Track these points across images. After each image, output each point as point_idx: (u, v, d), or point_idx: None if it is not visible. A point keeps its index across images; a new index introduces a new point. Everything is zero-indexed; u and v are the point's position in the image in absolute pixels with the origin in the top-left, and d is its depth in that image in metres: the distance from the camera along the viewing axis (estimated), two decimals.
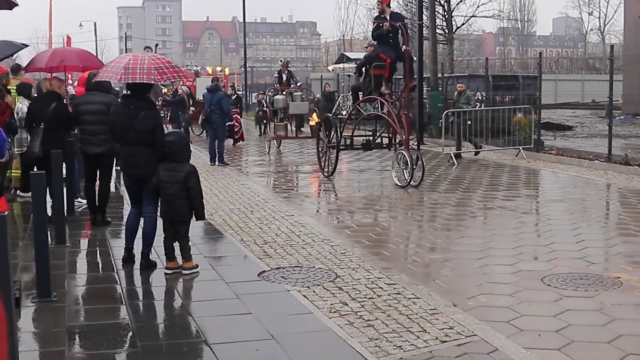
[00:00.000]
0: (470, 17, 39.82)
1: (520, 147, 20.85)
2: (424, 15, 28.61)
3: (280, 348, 5.94)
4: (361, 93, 16.73)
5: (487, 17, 44.51)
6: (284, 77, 24.49)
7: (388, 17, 16.17)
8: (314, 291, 7.56)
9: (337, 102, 19.18)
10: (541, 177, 17.35)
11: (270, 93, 26.94)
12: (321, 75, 43.60)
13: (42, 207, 7.43)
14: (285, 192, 15.26)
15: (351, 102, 17.34)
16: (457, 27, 39.45)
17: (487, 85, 25.58)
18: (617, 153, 18.77)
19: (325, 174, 17.03)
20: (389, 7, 16.59)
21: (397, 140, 16.53)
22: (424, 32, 28.82)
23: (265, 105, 29.84)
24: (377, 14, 16.88)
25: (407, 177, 15.05)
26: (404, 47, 15.89)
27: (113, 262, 8.82)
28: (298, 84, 25.82)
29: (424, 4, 28.30)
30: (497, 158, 20.46)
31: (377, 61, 16.07)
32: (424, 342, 6.10)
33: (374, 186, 15.81)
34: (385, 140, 17.60)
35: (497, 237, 10.54)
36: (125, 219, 9.50)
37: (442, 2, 36.99)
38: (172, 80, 9.97)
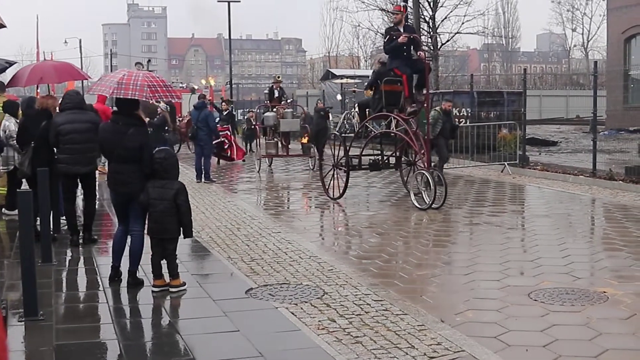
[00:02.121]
0: (455, 33, 40.01)
1: (506, 163, 20.93)
2: None
3: None
4: (369, 110, 15.91)
5: (472, 33, 44.69)
6: (276, 94, 24.13)
7: (402, 29, 15.46)
8: (301, 308, 7.56)
9: (342, 119, 18.80)
10: (526, 193, 17.42)
11: (258, 110, 26.81)
12: (307, 92, 43.74)
13: (28, 225, 7.41)
14: (272, 209, 15.27)
15: (357, 119, 16.60)
16: (442, 44, 39.66)
17: (472, 101, 25.68)
18: (602, 168, 18.86)
19: (332, 197, 15.86)
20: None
21: (405, 160, 16.07)
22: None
23: (253, 122, 29.71)
24: (390, 25, 16.20)
25: (427, 200, 14.20)
26: (419, 53, 15.35)
27: (100, 280, 8.80)
28: (289, 101, 25.35)
29: (409, 20, 28.42)
30: (482, 174, 20.53)
31: (389, 75, 15.29)
32: (412, 358, 6.10)
33: (361, 202, 15.82)
34: (393, 160, 16.61)
35: (483, 253, 10.57)
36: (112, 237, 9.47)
37: (427, 19, 37.23)
38: (165, 99, 9.97)
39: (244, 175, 22.42)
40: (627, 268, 9.43)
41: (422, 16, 36.82)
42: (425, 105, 15.13)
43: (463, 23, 40.81)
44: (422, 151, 14.59)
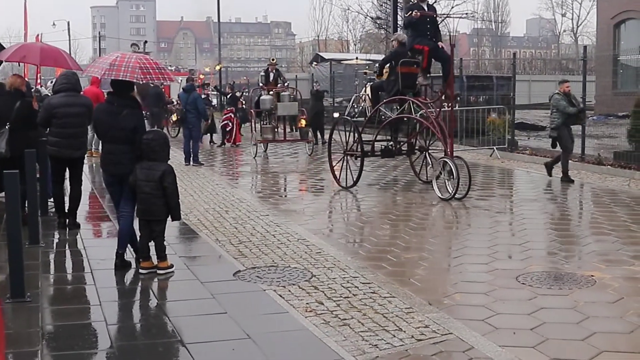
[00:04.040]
0: (445, 17, 39.94)
1: (494, 147, 20.95)
2: (398, 16, 28.65)
3: (257, 347, 5.93)
4: (384, 93, 15.05)
5: (462, 17, 44.62)
6: (272, 77, 23.50)
7: (425, 7, 14.60)
8: (289, 290, 7.55)
9: (351, 103, 17.95)
10: (515, 177, 17.44)
11: (253, 93, 26.38)
12: (296, 76, 43.57)
13: (15, 207, 7.36)
14: (261, 193, 15.24)
15: (368, 103, 15.61)
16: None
17: (462, 85, 25.66)
18: (590, 153, 18.91)
19: (343, 186, 15.01)
20: None
21: (418, 146, 15.46)
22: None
23: (243, 104, 29.31)
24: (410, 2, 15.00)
25: (450, 189, 13.35)
26: (440, 44, 14.64)
27: (87, 262, 8.77)
28: (286, 84, 24.40)
29: (398, 4, 28.37)
30: (471, 158, 20.48)
31: (407, 56, 14.49)
32: (399, 340, 6.11)
33: (353, 188, 15.75)
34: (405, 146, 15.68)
35: (472, 236, 10.58)
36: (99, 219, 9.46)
37: None
38: (157, 81, 9.86)
39: (236, 159, 22.36)
40: (615, 252, 9.46)
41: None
42: (451, 93, 14.27)
43: (452, 7, 40.78)
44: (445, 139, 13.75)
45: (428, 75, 15.05)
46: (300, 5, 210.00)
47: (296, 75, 45.22)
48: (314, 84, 32.16)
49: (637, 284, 7.98)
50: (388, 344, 6.04)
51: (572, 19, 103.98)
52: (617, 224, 11.19)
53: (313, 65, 46.28)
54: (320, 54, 47.82)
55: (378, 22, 46.19)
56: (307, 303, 7.13)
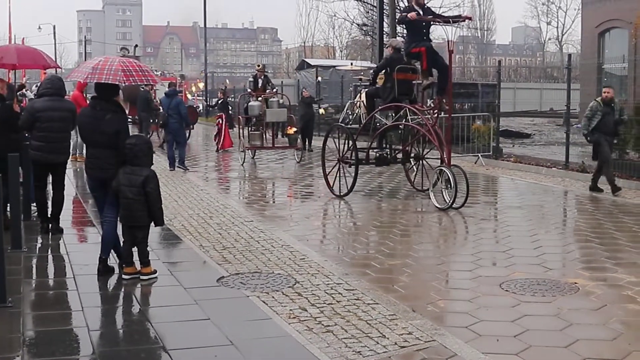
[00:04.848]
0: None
1: (479, 155, 21.01)
2: (385, 23, 28.73)
3: (240, 354, 5.91)
4: (379, 100, 14.77)
5: (448, 25, 44.66)
6: (260, 83, 23.10)
7: (421, 12, 14.30)
8: (273, 297, 7.53)
9: (346, 110, 17.50)
10: (500, 184, 17.49)
11: (241, 99, 26.15)
12: (282, 82, 43.56)
13: None
14: (246, 199, 15.22)
15: (363, 110, 15.26)
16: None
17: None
18: (574, 161, 18.98)
19: (337, 194, 14.66)
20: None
21: (413, 154, 15.25)
22: (384, 39, 28.91)
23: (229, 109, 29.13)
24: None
25: (448, 199, 13.05)
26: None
27: (70, 267, 8.71)
28: (274, 89, 23.90)
29: (384, 12, 28.43)
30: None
31: (402, 62, 14.30)
32: (383, 347, 6.10)
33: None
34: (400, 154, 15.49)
35: (456, 243, 10.59)
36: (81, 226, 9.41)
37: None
38: (140, 83, 9.77)
39: (223, 165, 22.32)
40: (598, 259, 9.48)
41: (398, 7, 36.78)
42: (449, 99, 14.26)
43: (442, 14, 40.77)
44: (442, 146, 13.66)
45: (430, 77, 14.56)
46: (287, 11, 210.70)
47: (282, 82, 45.21)
48: (303, 90, 31.93)
49: (620, 291, 8.00)
50: (371, 350, 6.03)
51: (557, 28, 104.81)
52: (601, 232, 11.23)
53: (295, 75, 46.26)
54: (307, 60, 47.80)
55: (364, 29, 46.30)
56: (290, 309, 7.11)
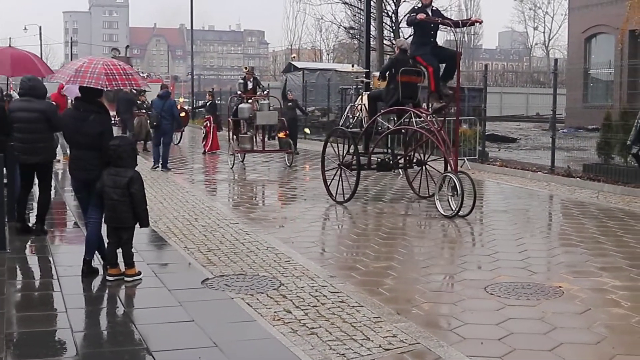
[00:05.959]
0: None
1: (465, 158, 20.99)
2: (371, 26, 28.76)
3: (223, 356, 5.90)
4: (382, 103, 14.41)
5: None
6: (250, 85, 22.75)
7: (430, 13, 13.81)
8: (257, 299, 7.52)
9: (346, 113, 17.18)
10: (485, 188, 17.50)
11: (231, 102, 25.93)
12: (268, 84, 43.49)
13: None
14: (232, 201, 15.19)
15: (365, 114, 14.90)
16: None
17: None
18: (560, 165, 19.06)
19: (337, 200, 14.28)
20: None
21: (416, 160, 14.95)
22: (371, 43, 28.95)
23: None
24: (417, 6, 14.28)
25: (454, 206, 12.72)
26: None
27: (54, 268, 8.68)
28: (265, 92, 23.64)
29: (371, 15, 28.46)
30: (441, 169, 20.53)
31: (408, 64, 13.86)
32: (367, 350, 6.09)
33: (320, 195, 15.65)
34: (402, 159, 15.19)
35: (441, 246, 10.60)
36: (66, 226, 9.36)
37: (390, 14, 37.29)
38: (123, 87, 9.62)
39: (210, 167, 22.27)
40: (583, 263, 9.51)
41: (385, 11, 36.88)
42: (455, 99, 14.00)
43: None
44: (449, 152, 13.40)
45: (440, 100, 14.01)
46: (274, 14, 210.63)
47: (269, 84, 45.16)
48: (288, 92, 31.74)
49: (604, 295, 8.02)
50: (356, 353, 6.02)
51: (544, 33, 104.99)
52: (586, 236, 11.27)
53: (282, 78, 46.15)
54: (293, 62, 47.69)
55: (351, 32, 46.40)
56: (275, 312, 7.10)
